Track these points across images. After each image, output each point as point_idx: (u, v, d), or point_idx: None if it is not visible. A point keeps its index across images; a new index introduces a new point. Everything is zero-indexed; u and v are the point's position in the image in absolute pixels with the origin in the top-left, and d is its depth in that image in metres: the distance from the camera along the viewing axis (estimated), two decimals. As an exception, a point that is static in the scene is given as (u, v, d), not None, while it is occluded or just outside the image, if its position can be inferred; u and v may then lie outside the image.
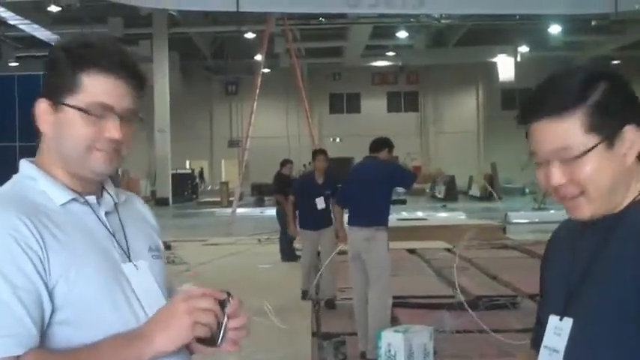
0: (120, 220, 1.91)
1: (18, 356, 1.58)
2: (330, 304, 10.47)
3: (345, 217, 8.57)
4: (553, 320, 1.77)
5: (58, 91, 1.79)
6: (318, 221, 10.88)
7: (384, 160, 8.26)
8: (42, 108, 1.82)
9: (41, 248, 1.67)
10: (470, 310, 8.82)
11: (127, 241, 1.88)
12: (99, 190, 1.90)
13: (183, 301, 1.69)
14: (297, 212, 11.70)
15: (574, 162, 1.65)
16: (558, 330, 1.74)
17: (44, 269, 1.66)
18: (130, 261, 1.85)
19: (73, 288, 1.69)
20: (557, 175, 1.68)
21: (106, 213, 1.88)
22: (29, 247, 1.65)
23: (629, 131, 1.66)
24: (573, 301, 1.71)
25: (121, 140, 1.80)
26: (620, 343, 1.60)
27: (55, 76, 1.81)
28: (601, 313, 1.63)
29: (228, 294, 1.77)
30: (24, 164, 1.86)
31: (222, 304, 1.75)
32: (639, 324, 1.57)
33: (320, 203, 10.83)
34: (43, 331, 1.66)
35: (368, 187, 7.93)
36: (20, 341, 1.59)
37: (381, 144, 8.36)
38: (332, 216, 10.35)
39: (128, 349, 1.67)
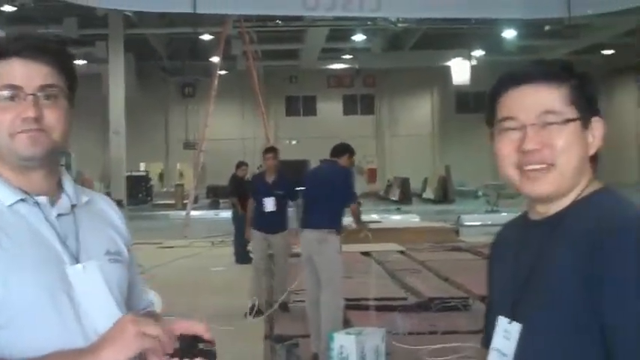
0: (75, 221, 1.86)
1: None
2: (284, 306, 10.36)
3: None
4: (502, 322, 1.77)
5: None
6: (267, 223, 10.50)
7: (344, 167, 8.34)
8: None
9: None
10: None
11: (78, 243, 1.83)
12: (54, 191, 1.87)
13: (131, 323, 1.65)
14: None
15: (553, 129, 1.68)
16: (507, 334, 1.74)
17: None
18: (77, 263, 1.80)
19: (11, 292, 1.66)
20: (534, 139, 1.69)
21: (60, 215, 1.84)
22: None
23: (596, 122, 1.72)
24: (520, 306, 1.71)
25: (45, 121, 1.77)
26: (571, 354, 1.60)
27: None
28: (550, 321, 1.63)
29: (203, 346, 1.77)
30: None
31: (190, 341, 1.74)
32: (592, 335, 1.56)
33: (268, 204, 10.45)
34: None
35: (324, 191, 8.00)
36: None
37: (343, 150, 8.43)
38: (286, 220, 10.39)
39: None
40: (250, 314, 10.04)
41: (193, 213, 24.91)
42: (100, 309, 1.77)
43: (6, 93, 1.77)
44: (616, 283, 1.52)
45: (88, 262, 1.81)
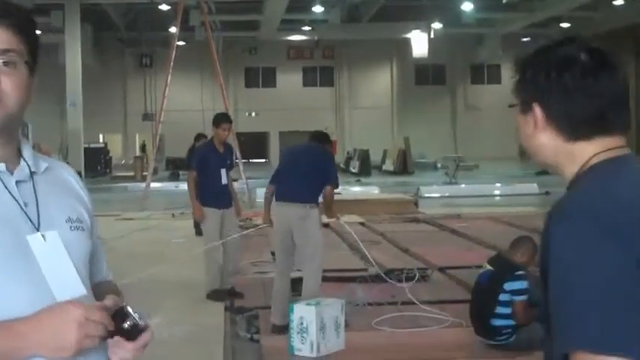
0: (34, 189, 1.83)
1: None
2: (233, 292, 9.43)
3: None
4: None
5: None
6: (223, 197, 9.57)
7: (328, 150, 8.43)
8: None
9: None
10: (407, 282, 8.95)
11: (38, 211, 1.80)
12: (13, 158, 1.83)
13: (77, 311, 1.62)
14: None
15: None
16: None
17: None
18: (38, 231, 1.76)
19: None
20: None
21: (19, 182, 1.81)
22: None
23: (535, 108, 1.76)
24: None
25: (2, 88, 1.73)
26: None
27: None
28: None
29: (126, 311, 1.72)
30: None
31: (122, 315, 1.71)
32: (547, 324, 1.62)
33: (224, 175, 9.57)
34: None
35: (308, 166, 7.96)
36: None
37: (325, 138, 8.51)
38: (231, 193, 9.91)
39: (1, 342, 1.61)
40: (214, 299, 9.33)
41: (153, 185, 24.78)
42: (62, 278, 1.74)
43: None
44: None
45: (48, 230, 1.78)
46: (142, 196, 22.49)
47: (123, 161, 46.81)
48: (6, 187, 1.78)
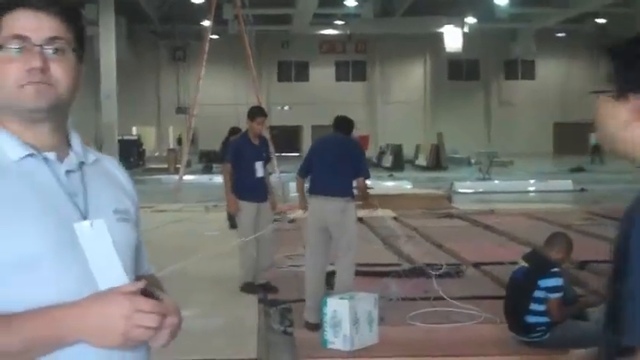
0: (82, 179, 1.85)
1: None
2: (268, 287, 9.40)
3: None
4: None
5: None
6: (259, 190, 9.54)
7: (357, 141, 8.39)
8: None
9: None
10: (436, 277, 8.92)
11: (86, 200, 1.81)
12: (62, 148, 1.85)
13: (125, 301, 1.63)
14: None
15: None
16: None
17: None
18: (85, 220, 1.77)
19: (15, 244, 1.66)
20: None
21: (68, 171, 1.82)
22: None
23: (632, 99, 1.74)
24: None
25: (50, 72, 1.77)
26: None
27: None
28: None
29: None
30: None
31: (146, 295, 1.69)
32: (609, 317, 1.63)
33: (259, 168, 9.49)
34: None
35: (344, 160, 7.88)
36: None
37: (350, 127, 8.36)
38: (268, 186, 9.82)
39: (43, 330, 1.62)
40: (247, 291, 9.34)
41: (186, 177, 24.91)
42: (106, 268, 1.74)
43: (13, 44, 1.77)
44: None
45: (96, 220, 1.78)
46: (175, 189, 22.62)
47: (156, 154, 47.08)
48: (55, 176, 1.79)
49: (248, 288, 9.34)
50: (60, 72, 1.79)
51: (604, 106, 1.77)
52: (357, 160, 8.09)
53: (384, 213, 10.58)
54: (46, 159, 1.80)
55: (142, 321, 1.63)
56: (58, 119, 1.85)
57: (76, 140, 1.91)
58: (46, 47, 1.77)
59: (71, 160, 1.85)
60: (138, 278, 1.88)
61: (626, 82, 1.74)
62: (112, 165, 2.03)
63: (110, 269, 1.74)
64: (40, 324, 1.62)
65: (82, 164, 1.88)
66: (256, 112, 9.75)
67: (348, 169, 7.90)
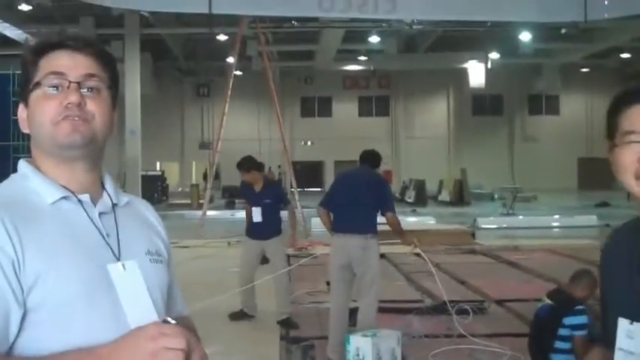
0: (115, 221, 1.88)
1: None
2: (289, 322, 9.63)
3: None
4: (623, 323, 1.83)
5: (25, 87, 1.85)
6: (258, 231, 10.02)
7: (380, 175, 8.37)
8: (19, 111, 1.88)
9: (16, 251, 1.65)
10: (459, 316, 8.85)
11: (119, 242, 1.84)
12: (97, 190, 1.89)
13: (150, 340, 1.61)
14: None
15: None
16: (631, 333, 1.81)
17: (17, 273, 1.64)
18: (118, 261, 1.79)
19: (51, 289, 1.66)
20: None
21: (101, 213, 1.85)
22: (2, 250, 1.64)
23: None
24: None
25: (87, 108, 1.81)
26: None
27: (23, 75, 1.86)
28: None
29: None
30: (20, 163, 1.87)
31: None
32: None
33: (256, 214, 9.99)
34: (15, 334, 1.64)
35: (363, 195, 7.82)
36: None
37: (377, 160, 8.35)
38: (280, 226, 10.02)
39: None
40: (234, 319, 9.85)
41: (209, 213, 24.95)
42: (138, 309, 1.74)
43: (51, 79, 1.81)
44: None
45: (128, 261, 1.79)
46: (199, 224, 22.64)
47: (180, 189, 47.21)
48: (90, 218, 1.82)
49: (234, 315, 9.86)
50: (96, 109, 1.83)
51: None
52: (382, 194, 8.04)
53: (405, 249, 10.50)
54: (80, 201, 1.82)
55: (169, 357, 1.61)
56: (93, 159, 1.88)
57: (109, 182, 1.95)
58: (82, 84, 1.81)
59: (105, 202, 1.89)
60: None
61: (608, 127, 1.85)
62: (143, 207, 2.08)
63: (142, 310, 1.74)
64: None
65: (114, 206, 1.91)
66: (241, 164, 10.09)
67: (372, 203, 7.85)
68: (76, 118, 1.79)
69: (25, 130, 1.87)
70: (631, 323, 1.81)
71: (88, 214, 1.82)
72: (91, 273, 1.73)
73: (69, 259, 1.71)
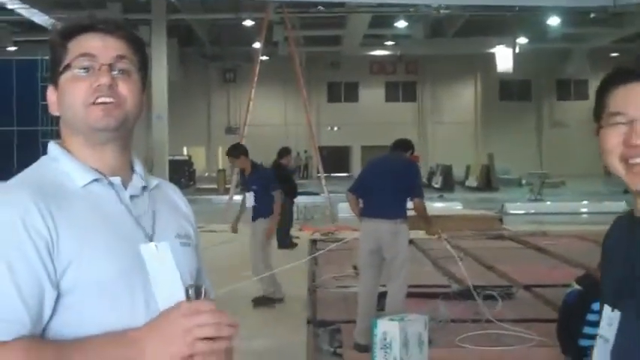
0: (146, 203, 1.88)
1: (4, 342, 1.55)
2: (261, 301, 9.97)
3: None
4: (607, 310, 1.83)
5: (55, 70, 1.83)
6: (252, 214, 10.64)
7: (412, 160, 8.34)
8: (49, 93, 1.86)
9: (50, 233, 1.65)
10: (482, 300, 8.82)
11: (150, 224, 1.84)
12: (127, 173, 1.89)
13: (182, 317, 1.62)
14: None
15: None
16: (610, 320, 1.80)
17: (51, 255, 1.64)
18: (150, 242, 1.80)
19: (84, 272, 1.66)
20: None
21: (132, 196, 1.85)
22: (37, 231, 1.63)
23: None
24: (623, 296, 1.77)
25: (118, 90, 1.79)
26: None
27: (52, 58, 1.85)
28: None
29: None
30: (50, 145, 1.86)
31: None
32: None
33: (249, 198, 10.58)
34: (49, 316, 1.64)
35: (394, 181, 7.80)
36: (8, 327, 1.56)
37: (408, 146, 8.33)
38: (268, 209, 10.38)
39: (116, 353, 1.62)
40: (258, 304, 10.00)
41: (235, 197, 24.98)
42: (169, 290, 1.75)
43: (81, 61, 1.80)
44: None
45: (161, 242, 1.81)
46: (225, 209, 22.70)
47: (206, 174, 47.37)
48: (121, 201, 1.82)
49: (257, 301, 10.05)
50: (127, 91, 1.81)
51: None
52: (412, 179, 8.04)
53: (447, 243, 10.49)
54: (111, 184, 1.82)
55: (203, 333, 1.62)
56: (124, 140, 1.87)
57: (138, 165, 1.94)
58: (113, 66, 1.80)
59: (135, 184, 1.88)
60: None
61: (595, 107, 1.83)
62: (171, 190, 2.07)
63: (172, 292, 1.74)
64: (111, 348, 1.63)
65: (144, 189, 1.90)
66: (231, 151, 10.96)
67: (402, 188, 7.84)
68: (108, 101, 1.78)
69: (55, 113, 1.86)
70: (612, 310, 1.80)
71: (119, 197, 1.82)
72: (123, 255, 1.73)
73: (102, 241, 1.71)
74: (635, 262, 1.75)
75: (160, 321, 1.65)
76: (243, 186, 11.07)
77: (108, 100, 1.77)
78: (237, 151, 10.70)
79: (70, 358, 1.58)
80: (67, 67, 1.80)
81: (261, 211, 10.39)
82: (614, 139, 1.78)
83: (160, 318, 1.66)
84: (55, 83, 1.84)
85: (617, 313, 1.78)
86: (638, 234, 1.80)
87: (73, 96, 1.79)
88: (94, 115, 1.77)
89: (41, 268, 1.63)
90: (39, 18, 33.56)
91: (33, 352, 1.56)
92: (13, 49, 38.10)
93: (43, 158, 1.85)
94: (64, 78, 1.81)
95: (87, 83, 1.78)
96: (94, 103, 1.77)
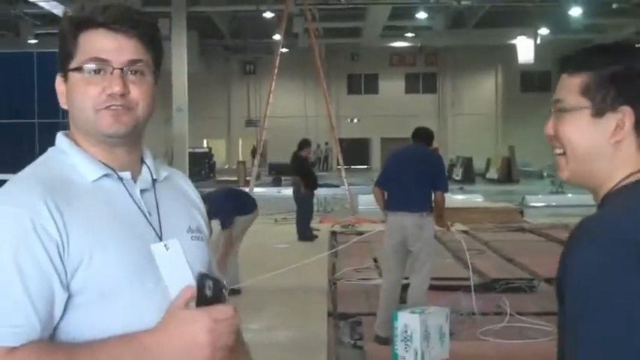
0: (156, 197, 1.84)
1: (15, 348, 1.52)
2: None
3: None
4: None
5: (64, 61, 1.77)
6: None
7: (435, 152, 8.29)
8: (57, 83, 1.81)
9: (60, 234, 1.61)
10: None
11: (160, 220, 1.80)
12: (137, 166, 1.85)
13: (204, 317, 1.60)
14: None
15: (562, 116, 1.75)
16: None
17: (61, 257, 1.61)
18: (160, 241, 1.76)
19: (96, 272, 1.63)
20: (549, 125, 1.81)
21: (142, 190, 1.82)
22: (47, 233, 1.60)
23: (625, 112, 1.66)
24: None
25: (130, 96, 1.74)
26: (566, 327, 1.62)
27: (61, 46, 1.79)
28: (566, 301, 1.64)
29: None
30: (59, 137, 1.82)
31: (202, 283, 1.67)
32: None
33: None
34: (59, 318, 1.62)
35: (423, 172, 7.77)
36: (18, 332, 1.54)
37: (430, 137, 8.26)
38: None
39: (129, 359, 1.60)
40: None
41: (255, 190, 25.03)
42: (180, 287, 1.70)
43: (93, 66, 1.74)
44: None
45: (171, 240, 1.78)
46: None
47: (226, 166, 47.45)
48: (131, 196, 1.79)
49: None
50: (139, 94, 1.76)
51: (579, 122, 1.72)
52: (438, 172, 8.01)
53: (457, 234, 10.43)
54: (120, 179, 1.79)
55: (224, 328, 1.61)
56: (135, 140, 1.83)
57: (149, 157, 1.90)
58: (126, 69, 1.74)
59: (144, 178, 1.85)
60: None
61: (618, 94, 1.68)
62: (182, 180, 2.02)
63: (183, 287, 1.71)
64: (126, 352, 1.60)
65: (154, 181, 1.86)
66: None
67: (427, 181, 7.79)
68: (119, 108, 1.73)
69: (64, 106, 1.81)
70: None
71: (129, 193, 1.78)
72: (135, 253, 1.70)
73: (113, 240, 1.68)
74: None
75: (176, 324, 1.62)
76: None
77: (119, 105, 1.73)
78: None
79: None
80: (78, 68, 1.74)
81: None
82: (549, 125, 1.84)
83: (175, 322, 1.63)
84: (64, 76, 1.79)
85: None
86: None
87: (82, 99, 1.74)
88: (105, 122, 1.73)
89: (52, 271, 1.60)
90: (59, 11, 33.68)
91: (44, 357, 1.54)
92: (34, 41, 38.25)
93: (51, 150, 1.81)
94: (74, 78, 1.75)
95: (98, 88, 1.72)
96: (104, 109, 1.73)
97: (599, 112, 1.68)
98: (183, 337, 1.60)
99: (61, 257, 1.61)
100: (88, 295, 1.64)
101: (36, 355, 1.53)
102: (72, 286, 1.63)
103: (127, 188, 1.78)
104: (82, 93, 1.74)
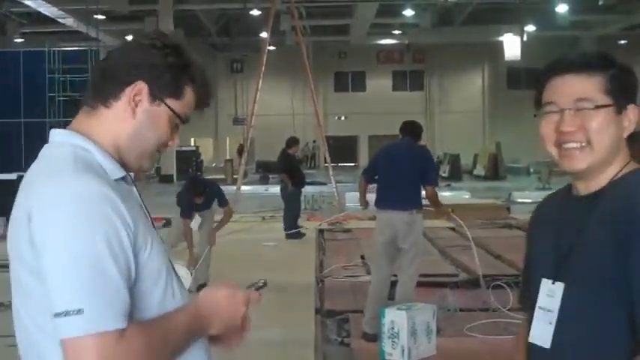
0: (141, 196, 1.95)
1: (124, 330, 1.62)
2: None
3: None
4: (546, 283, 2.02)
5: (161, 87, 1.87)
6: None
7: (424, 147, 8.27)
8: (142, 90, 1.86)
9: (131, 219, 1.71)
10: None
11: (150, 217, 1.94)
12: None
13: (239, 292, 1.93)
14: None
15: (588, 113, 1.93)
16: (551, 292, 1.99)
17: (132, 241, 1.71)
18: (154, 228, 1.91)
19: (147, 259, 1.76)
20: (570, 122, 1.95)
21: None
22: (124, 218, 1.69)
23: (632, 109, 1.96)
24: (563, 268, 1.96)
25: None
26: (600, 305, 1.88)
27: (160, 70, 1.87)
28: (588, 280, 1.89)
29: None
30: (76, 137, 1.83)
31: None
32: (614, 287, 1.83)
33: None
34: None
35: (413, 167, 7.74)
36: (124, 315, 1.63)
37: (419, 131, 8.21)
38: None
39: (196, 326, 1.83)
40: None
41: (243, 188, 25.02)
42: (181, 275, 1.97)
43: (182, 121, 2.02)
44: None
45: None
46: (233, 199, 22.71)
47: (214, 164, 47.37)
48: (139, 195, 1.94)
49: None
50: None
51: (606, 119, 1.93)
52: (427, 167, 7.96)
53: (440, 224, 10.46)
54: (132, 181, 1.92)
55: (242, 312, 1.96)
56: None
57: None
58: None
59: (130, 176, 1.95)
60: None
61: (536, 97, 2.08)
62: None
63: (182, 274, 2.02)
64: (193, 319, 1.83)
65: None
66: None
67: (416, 176, 7.75)
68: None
69: (126, 109, 1.88)
70: (553, 283, 1.99)
71: (137, 193, 1.91)
72: (159, 246, 1.84)
73: (147, 231, 1.79)
74: (573, 238, 1.94)
75: (226, 297, 1.91)
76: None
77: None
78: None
79: (169, 334, 1.74)
80: (181, 115, 2.00)
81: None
82: (547, 127, 2.04)
83: (221, 299, 1.90)
84: (154, 94, 1.88)
85: (559, 286, 1.97)
86: (574, 211, 2.00)
87: (160, 135, 1.93)
88: (149, 161, 1.94)
89: (131, 256, 1.70)
90: (46, 9, 33.56)
91: (147, 334, 1.67)
92: (20, 40, 38.13)
93: (71, 147, 1.80)
94: (166, 113, 1.93)
95: (170, 134, 2.00)
96: (159, 151, 1.97)
97: (619, 110, 1.94)
98: (229, 306, 1.92)
99: (132, 242, 1.72)
100: (140, 283, 1.75)
101: (142, 334, 1.66)
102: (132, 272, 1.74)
103: (137, 189, 1.92)
104: (162, 131, 1.95)
